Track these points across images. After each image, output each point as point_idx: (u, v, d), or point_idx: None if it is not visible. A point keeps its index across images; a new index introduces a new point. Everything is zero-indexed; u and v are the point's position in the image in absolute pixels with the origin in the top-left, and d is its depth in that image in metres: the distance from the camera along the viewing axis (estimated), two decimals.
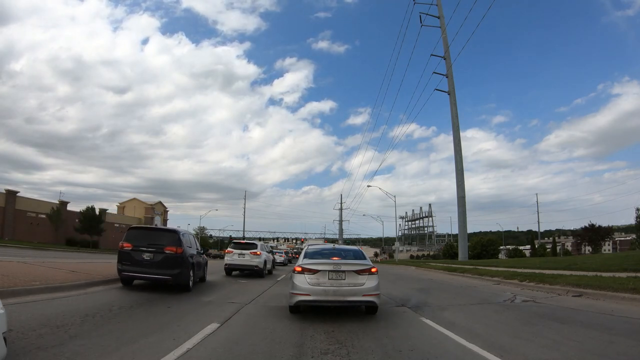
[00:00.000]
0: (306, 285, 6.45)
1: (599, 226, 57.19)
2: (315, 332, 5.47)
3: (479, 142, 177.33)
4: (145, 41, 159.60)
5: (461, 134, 33.06)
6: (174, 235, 9.81)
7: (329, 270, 6.49)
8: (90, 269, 12.09)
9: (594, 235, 56.14)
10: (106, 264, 14.85)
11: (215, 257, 44.61)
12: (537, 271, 14.47)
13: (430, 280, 16.64)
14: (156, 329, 5.29)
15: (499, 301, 9.24)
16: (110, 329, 5.10)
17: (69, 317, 5.52)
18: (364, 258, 7.26)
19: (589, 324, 6.09)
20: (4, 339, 2.99)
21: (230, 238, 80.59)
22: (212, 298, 8.88)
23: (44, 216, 46.47)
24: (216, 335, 5.09)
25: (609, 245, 72.26)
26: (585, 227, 58.64)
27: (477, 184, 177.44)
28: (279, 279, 15.70)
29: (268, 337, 5.15)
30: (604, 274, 11.59)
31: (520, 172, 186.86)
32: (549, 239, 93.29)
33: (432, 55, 32.57)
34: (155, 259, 9.19)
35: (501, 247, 62.06)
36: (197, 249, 11.61)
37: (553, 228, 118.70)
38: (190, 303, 7.90)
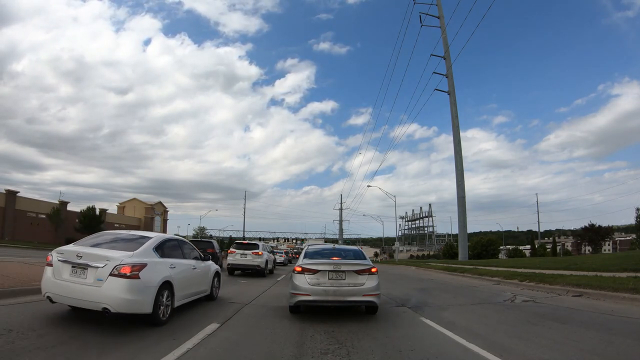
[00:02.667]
0: (306, 285, 6.44)
1: (599, 226, 57.20)
2: (315, 332, 5.47)
3: (480, 142, 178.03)
4: (147, 42, 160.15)
5: (462, 134, 33.18)
6: (211, 243, 18.66)
7: (329, 270, 6.49)
8: None
9: (594, 235, 56.15)
10: None
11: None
12: (537, 271, 14.47)
13: (430, 280, 16.64)
14: (156, 329, 5.28)
15: (499, 301, 9.23)
16: (110, 328, 5.10)
17: (68, 318, 5.52)
18: (364, 258, 7.25)
19: (589, 324, 6.08)
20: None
21: (231, 238, 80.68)
22: None
23: (44, 216, 46.49)
24: (216, 335, 5.08)
25: (609, 245, 72.28)
26: (585, 227, 58.65)
27: (477, 184, 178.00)
28: (279, 279, 15.70)
29: (268, 337, 5.15)
30: (604, 274, 11.58)
31: (521, 172, 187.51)
32: (549, 239, 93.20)
33: (432, 55, 32.55)
34: None
35: (501, 247, 61.87)
36: (218, 249, 19.08)
37: (553, 228, 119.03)
38: (191, 303, 7.88)
